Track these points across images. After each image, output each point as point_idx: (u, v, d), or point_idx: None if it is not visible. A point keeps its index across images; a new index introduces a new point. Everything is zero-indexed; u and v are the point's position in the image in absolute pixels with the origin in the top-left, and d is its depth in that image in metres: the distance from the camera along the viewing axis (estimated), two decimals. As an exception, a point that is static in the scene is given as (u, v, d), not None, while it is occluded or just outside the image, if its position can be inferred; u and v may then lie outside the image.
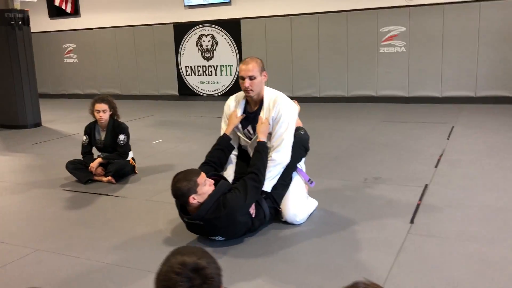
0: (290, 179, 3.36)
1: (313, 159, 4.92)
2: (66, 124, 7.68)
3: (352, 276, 2.50)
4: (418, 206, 3.50)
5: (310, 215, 3.41)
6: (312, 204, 3.49)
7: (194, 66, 10.66)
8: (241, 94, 3.49)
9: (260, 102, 3.40)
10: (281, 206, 3.27)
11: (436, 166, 4.47)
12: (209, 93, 10.61)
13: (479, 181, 4.00)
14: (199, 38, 10.48)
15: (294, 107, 3.51)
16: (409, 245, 2.87)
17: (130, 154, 4.66)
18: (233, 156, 3.49)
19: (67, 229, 3.34)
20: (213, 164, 3.32)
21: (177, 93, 10.91)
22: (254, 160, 3.15)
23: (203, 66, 10.58)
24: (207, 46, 10.45)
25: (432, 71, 8.63)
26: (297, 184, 3.39)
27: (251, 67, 3.25)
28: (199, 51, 10.54)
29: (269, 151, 3.29)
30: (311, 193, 3.80)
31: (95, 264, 2.75)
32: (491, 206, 3.43)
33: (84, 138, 4.57)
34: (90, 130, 4.55)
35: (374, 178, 4.22)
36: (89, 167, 4.39)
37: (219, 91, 10.53)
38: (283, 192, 3.30)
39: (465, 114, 7.19)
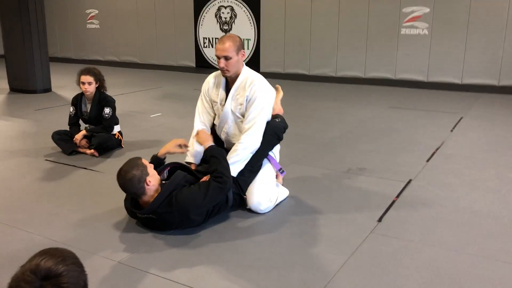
0: (259, 167, 3.25)
1: (302, 144, 4.80)
2: (75, 91, 7.66)
3: (293, 274, 2.42)
4: (393, 203, 3.34)
5: (279, 204, 3.30)
6: (282, 193, 3.38)
7: (212, 38, 10.51)
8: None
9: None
10: (246, 194, 3.18)
11: (428, 160, 4.26)
12: (226, 66, 10.48)
13: (466, 179, 3.78)
14: (218, 9, 10.29)
15: (272, 92, 3.36)
16: (367, 245, 2.73)
17: (117, 128, 4.63)
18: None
19: (32, 201, 3.34)
20: None
21: (194, 65, 10.83)
22: (213, 165, 2.94)
23: (220, 38, 10.42)
24: (225, 18, 10.26)
25: (454, 56, 8.22)
26: (266, 172, 3.27)
27: (227, 47, 3.12)
28: (218, 23, 10.37)
29: (241, 133, 3.19)
30: (286, 180, 3.70)
31: (43, 241, 2.73)
32: (468, 208, 3.24)
33: (71, 109, 4.57)
34: (77, 101, 4.54)
35: (359, 168, 4.06)
36: (74, 139, 4.40)
37: (235, 65, 10.39)
38: (250, 179, 3.19)
39: (480, 104, 6.83)
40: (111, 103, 4.48)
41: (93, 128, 4.46)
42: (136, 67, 11.30)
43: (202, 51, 10.69)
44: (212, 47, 10.54)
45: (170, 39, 11.01)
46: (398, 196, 3.46)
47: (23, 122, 5.73)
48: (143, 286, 2.31)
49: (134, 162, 2.76)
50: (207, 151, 3.09)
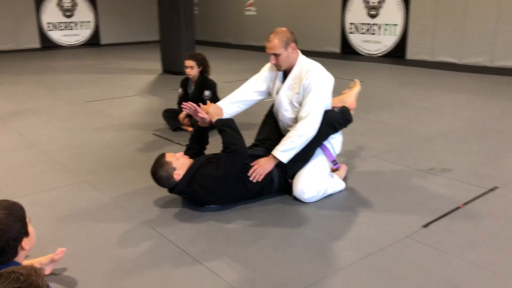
0: (310, 156, 3.24)
1: (397, 138, 4.55)
2: (217, 74, 8.37)
3: (295, 264, 2.42)
4: (455, 209, 3.01)
5: (328, 196, 3.25)
6: (334, 185, 3.30)
7: (359, 23, 10.27)
8: None
9: None
10: (293, 181, 3.21)
11: (534, 167, 3.66)
12: (371, 53, 10.16)
13: None
14: (367, -6, 10.00)
15: (330, 80, 3.28)
16: (392, 249, 2.56)
17: (217, 109, 4.98)
18: (238, 108, 3.51)
19: (120, 168, 3.88)
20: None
21: (339, 51, 10.75)
22: (222, 139, 3.10)
23: (367, 23, 10.13)
24: (373, 2, 9.92)
25: None
26: (317, 162, 3.25)
27: (272, 45, 3.17)
28: (365, 8, 10.09)
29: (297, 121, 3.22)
30: (352, 173, 3.62)
31: (107, 201, 3.20)
32: (543, 227, 2.74)
33: (180, 90, 5.07)
34: (184, 83, 5.02)
35: (442, 169, 3.70)
36: (178, 117, 4.89)
37: (380, 51, 10.00)
38: (297, 166, 3.22)
39: None
40: (211, 86, 4.85)
41: (194, 108, 4.89)
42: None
43: (347, 37, 10.53)
44: (358, 32, 10.32)
45: (317, 24, 11.09)
46: (466, 203, 3.10)
47: (155, 100, 6.52)
48: (154, 246, 2.58)
49: (159, 162, 3.03)
50: (216, 124, 3.20)
